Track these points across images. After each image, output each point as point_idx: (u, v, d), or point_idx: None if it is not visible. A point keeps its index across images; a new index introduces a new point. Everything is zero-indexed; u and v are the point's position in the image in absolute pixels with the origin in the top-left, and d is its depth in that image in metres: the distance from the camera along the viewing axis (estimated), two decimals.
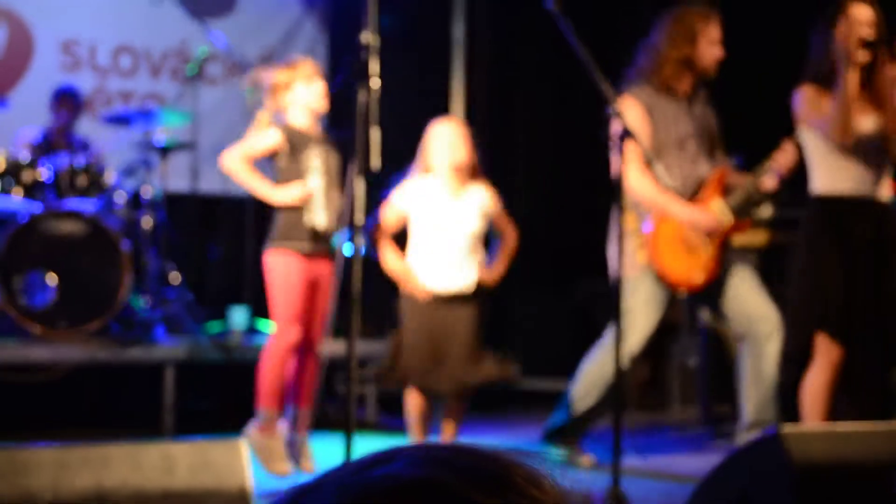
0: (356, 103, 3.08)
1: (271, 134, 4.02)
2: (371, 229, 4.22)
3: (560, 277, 7.24)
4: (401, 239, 4.35)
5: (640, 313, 4.45)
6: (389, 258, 4.25)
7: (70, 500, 2.11)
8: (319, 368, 4.15)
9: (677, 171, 4.41)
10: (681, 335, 6.39)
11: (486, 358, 4.25)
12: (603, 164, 6.11)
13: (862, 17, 4.01)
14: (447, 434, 4.37)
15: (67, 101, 6.01)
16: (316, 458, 4.20)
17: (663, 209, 4.37)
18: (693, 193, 4.45)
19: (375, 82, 3.09)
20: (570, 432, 4.59)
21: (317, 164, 4.04)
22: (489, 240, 4.47)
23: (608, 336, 4.51)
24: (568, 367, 5.34)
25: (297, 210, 4.02)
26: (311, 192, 4.00)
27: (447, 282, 4.21)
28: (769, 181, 4.36)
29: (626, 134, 3.42)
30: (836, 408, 4.13)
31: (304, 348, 4.06)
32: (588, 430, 4.62)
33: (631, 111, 4.29)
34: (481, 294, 4.30)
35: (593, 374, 4.52)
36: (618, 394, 3.63)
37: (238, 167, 4.03)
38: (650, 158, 3.71)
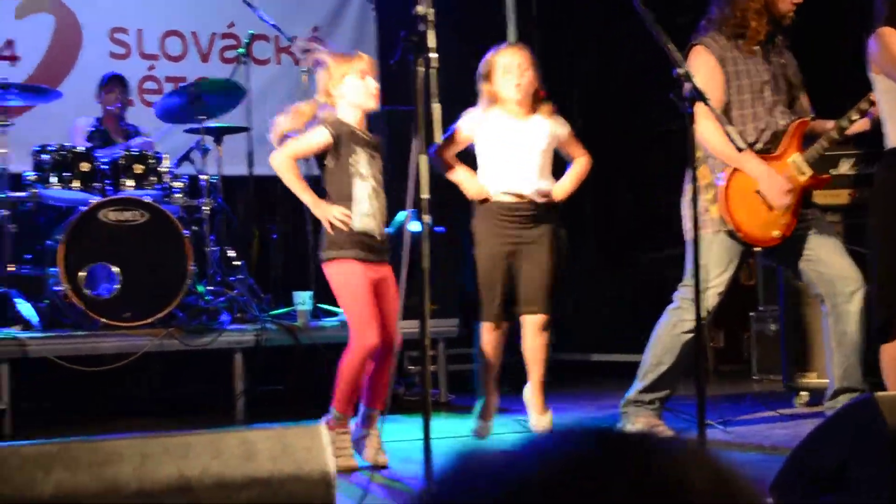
0: (414, 79, 2.97)
1: (321, 133, 3.92)
2: (437, 148, 4.16)
3: (630, 247, 7.14)
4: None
5: (711, 271, 4.30)
6: (454, 170, 4.25)
7: (153, 489, 2.07)
8: (394, 367, 4.09)
9: (752, 123, 4.27)
10: (759, 301, 6.26)
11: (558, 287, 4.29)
12: (666, 131, 6.00)
13: None
14: (535, 382, 4.33)
15: (115, 87, 5.98)
16: (386, 445, 4.13)
17: (737, 163, 4.21)
18: (770, 146, 4.29)
19: (434, 56, 2.99)
20: (648, 402, 4.48)
21: (363, 169, 3.95)
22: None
23: (679, 298, 4.42)
24: (635, 340, 5.26)
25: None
26: (347, 217, 3.91)
27: (516, 187, 4.20)
28: (858, 127, 4.20)
29: (697, 95, 3.29)
30: None
31: (384, 351, 3.98)
32: (667, 398, 4.51)
33: (702, 62, 4.19)
34: (555, 217, 4.29)
35: (666, 338, 4.41)
36: (699, 358, 3.52)
37: (285, 167, 3.96)
38: (722, 119, 3.57)
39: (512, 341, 4.41)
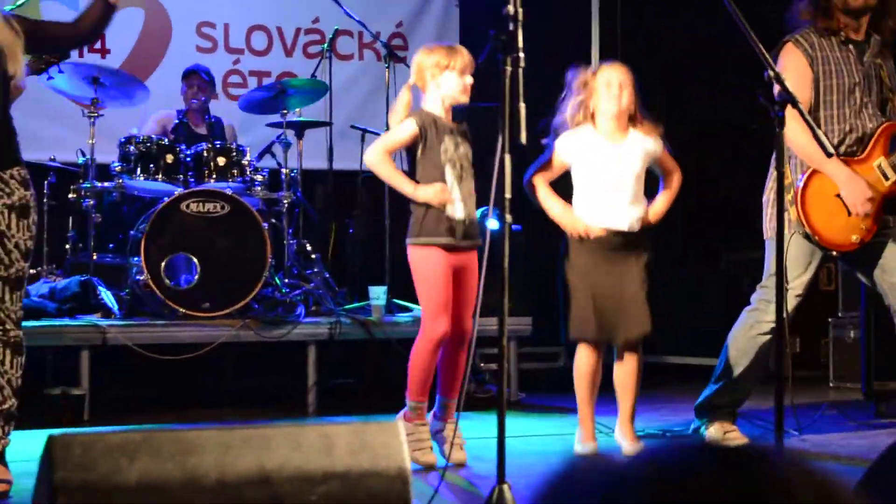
0: (503, 78, 2.98)
1: (408, 125, 3.96)
2: (529, 177, 4.15)
3: (708, 249, 7.07)
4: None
5: (787, 273, 4.19)
6: (550, 202, 4.18)
7: (234, 480, 2.11)
8: (468, 357, 4.08)
9: (839, 125, 4.21)
10: (839, 307, 6.16)
11: (649, 307, 4.16)
12: (753, 129, 5.88)
13: None
14: (627, 408, 4.22)
15: (198, 80, 6.07)
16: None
17: (819, 166, 4.15)
18: (855, 148, 4.23)
19: (522, 55, 2.99)
20: (723, 406, 4.43)
21: (451, 155, 3.98)
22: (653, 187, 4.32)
23: (756, 300, 4.37)
24: (714, 342, 5.20)
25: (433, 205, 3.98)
26: (448, 189, 3.95)
27: (612, 222, 4.13)
28: None
29: (788, 97, 3.25)
30: None
31: (455, 340, 3.99)
32: (741, 403, 4.46)
33: (792, 60, 4.15)
34: (647, 239, 4.21)
35: (741, 340, 4.36)
36: (780, 363, 3.47)
37: (380, 162, 3.98)
38: (810, 122, 3.51)
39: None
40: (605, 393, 4.33)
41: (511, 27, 2.98)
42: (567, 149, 4.16)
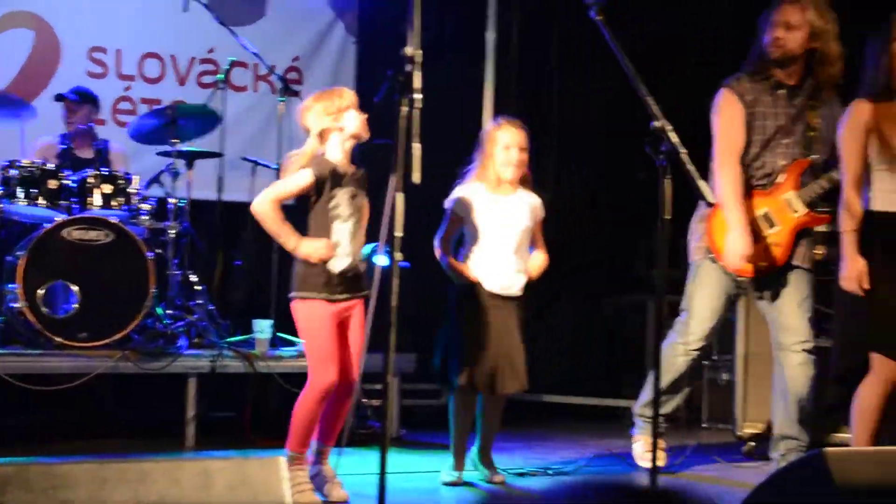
0: (398, 118, 3.02)
1: (303, 175, 3.93)
2: (441, 246, 4.38)
3: (590, 293, 7.20)
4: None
5: (697, 299, 4.58)
6: (451, 262, 4.38)
7: None
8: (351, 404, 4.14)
9: (756, 161, 4.53)
10: (713, 350, 6.33)
11: (524, 363, 4.40)
12: (636, 182, 6.01)
13: None
14: (486, 440, 4.51)
15: (68, 103, 5.96)
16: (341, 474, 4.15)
17: (722, 206, 4.48)
18: (766, 183, 4.54)
19: (418, 97, 3.04)
20: (649, 419, 4.64)
21: (342, 210, 3.97)
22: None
23: (676, 321, 4.72)
24: (594, 382, 5.33)
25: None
26: (335, 245, 3.95)
27: (503, 281, 4.35)
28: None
29: (673, 149, 3.36)
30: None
31: (342, 390, 3.99)
32: (667, 417, 4.80)
33: (725, 103, 4.51)
34: (525, 293, 4.42)
35: (664, 358, 4.65)
36: (656, 401, 3.60)
37: (268, 212, 3.94)
38: (694, 172, 3.63)
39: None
40: None
41: (408, 68, 3.03)
42: (459, 205, 4.37)
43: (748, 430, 5.37)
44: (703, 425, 6.29)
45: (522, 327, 4.40)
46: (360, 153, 4.13)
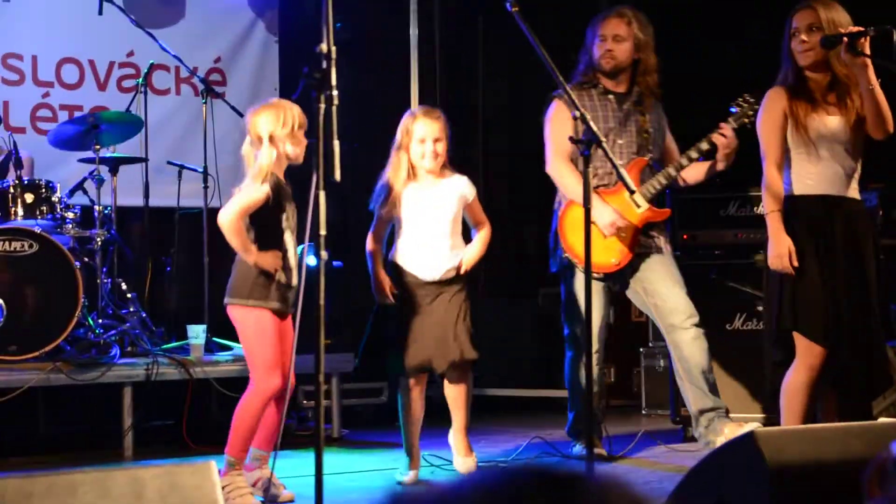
0: (316, 115, 3.00)
1: (263, 188, 3.95)
2: (370, 244, 4.39)
3: (521, 285, 7.23)
4: None
5: (578, 307, 4.77)
6: (376, 272, 4.39)
7: None
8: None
9: (594, 162, 4.53)
10: (649, 337, 6.40)
11: (469, 332, 4.37)
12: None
13: (801, 25, 4.06)
14: (459, 426, 4.46)
15: None
16: (281, 476, 4.13)
17: (573, 197, 4.68)
18: (608, 182, 4.79)
19: (335, 93, 3.02)
20: (582, 427, 4.72)
21: (292, 220, 4.06)
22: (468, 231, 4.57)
23: (567, 338, 4.87)
24: (530, 374, 5.37)
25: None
26: (279, 264, 4.01)
27: (435, 270, 4.35)
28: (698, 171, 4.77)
29: (593, 138, 3.41)
30: (825, 407, 4.14)
31: (280, 398, 4.03)
32: (595, 424, 4.76)
33: (556, 112, 4.81)
34: (464, 276, 4.43)
35: (571, 371, 4.88)
36: (588, 388, 3.66)
37: (234, 230, 3.94)
38: (612, 160, 3.71)
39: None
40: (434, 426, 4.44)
41: (324, 65, 3.01)
42: (382, 201, 4.36)
43: (685, 414, 5.42)
44: (643, 412, 6.36)
45: (468, 308, 4.39)
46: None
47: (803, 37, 4.06)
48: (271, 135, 3.95)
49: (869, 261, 4.09)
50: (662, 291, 4.78)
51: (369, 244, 4.41)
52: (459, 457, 4.46)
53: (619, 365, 6.96)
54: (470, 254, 4.43)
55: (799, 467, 2.68)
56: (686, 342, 4.73)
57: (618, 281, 4.86)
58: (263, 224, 4.01)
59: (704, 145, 4.70)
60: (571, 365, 4.86)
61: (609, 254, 4.74)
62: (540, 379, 6.62)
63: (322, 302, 3.00)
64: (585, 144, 3.51)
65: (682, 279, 4.84)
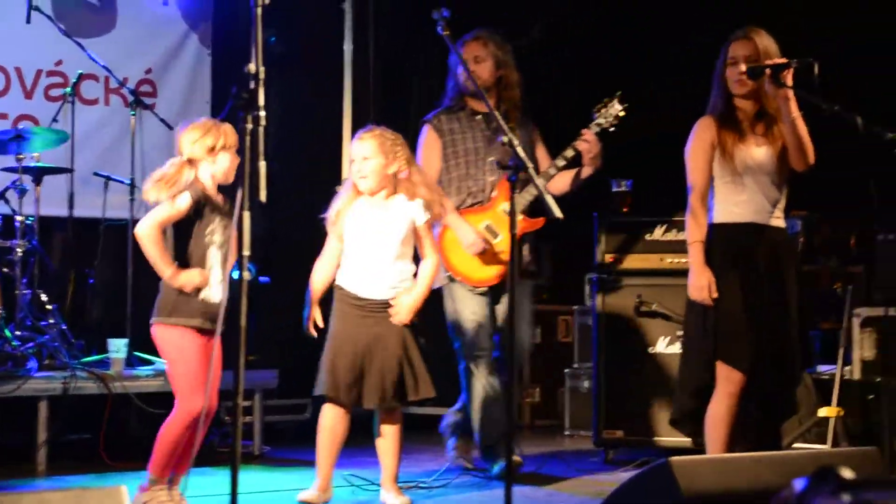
0: (242, 136, 2.99)
1: (184, 199, 3.94)
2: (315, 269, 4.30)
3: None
4: None
5: (463, 321, 4.96)
6: (311, 300, 4.27)
7: None
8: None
9: (464, 182, 5.02)
10: (574, 358, 6.44)
11: (414, 375, 4.23)
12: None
13: (739, 55, 4.12)
14: (390, 468, 4.32)
15: None
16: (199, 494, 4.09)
17: (445, 223, 4.92)
18: (481, 199, 5.01)
19: (262, 114, 3.02)
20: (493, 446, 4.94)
21: (216, 237, 4.02)
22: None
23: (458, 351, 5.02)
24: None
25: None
26: (208, 275, 3.98)
27: (376, 292, 4.24)
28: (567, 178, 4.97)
29: (520, 163, 3.43)
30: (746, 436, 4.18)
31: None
32: (498, 440, 4.86)
33: (423, 138, 5.08)
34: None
35: (465, 378, 5.05)
36: (509, 407, 3.68)
37: (152, 238, 3.93)
38: (539, 186, 3.73)
39: None
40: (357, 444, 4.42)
41: (252, 85, 3.00)
42: (331, 218, 4.28)
43: (607, 437, 5.47)
44: (566, 433, 6.39)
45: (408, 337, 4.23)
46: None
47: (742, 67, 4.11)
48: (191, 155, 4.00)
49: (791, 289, 4.16)
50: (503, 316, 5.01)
51: (314, 271, 4.30)
52: (391, 495, 4.29)
53: (544, 385, 7.01)
54: (405, 303, 4.23)
55: (712, 495, 2.72)
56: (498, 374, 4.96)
57: (494, 294, 5.02)
58: (186, 238, 3.99)
59: (569, 153, 4.87)
60: (465, 374, 5.00)
61: (490, 269, 4.94)
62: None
63: (244, 322, 2.98)
64: (513, 170, 3.53)
65: (530, 306, 5.15)
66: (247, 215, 2.98)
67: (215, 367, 3.94)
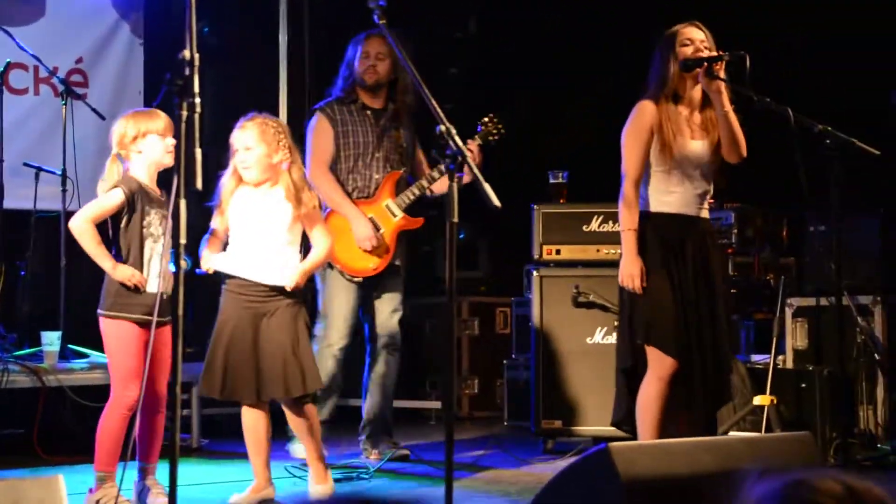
0: (178, 123, 2.95)
1: (115, 194, 3.98)
2: (199, 251, 4.17)
3: None
4: None
5: (332, 306, 5.12)
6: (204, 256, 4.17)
7: None
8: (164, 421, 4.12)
9: (353, 175, 5.16)
10: (513, 349, 6.47)
11: (301, 367, 4.10)
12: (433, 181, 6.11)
13: (694, 37, 4.14)
14: (310, 454, 4.24)
15: None
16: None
17: (336, 207, 5.09)
18: (367, 193, 5.17)
19: (198, 100, 2.98)
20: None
21: (154, 229, 4.02)
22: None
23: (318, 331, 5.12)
24: (400, 385, 5.39)
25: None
26: (143, 281, 3.99)
27: (260, 276, 4.11)
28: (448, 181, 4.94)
29: (459, 153, 3.42)
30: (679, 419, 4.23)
31: (152, 406, 4.02)
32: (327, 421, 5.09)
33: (314, 125, 5.18)
34: (300, 293, 4.18)
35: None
36: (449, 401, 3.65)
37: (85, 232, 3.97)
38: (477, 175, 3.73)
39: None
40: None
41: (187, 72, 2.96)
42: (218, 203, 4.16)
43: (546, 427, 5.51)
44: (505, 423, 6.42)
45: (298, 327, 4.11)
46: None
47: (706, 44, 4.14)
48: (120, 144, 4.01)
49: (719, 278, 4.23)
50: (384, 309, 5.22)
51: (200, 250, 4.16)
52: (313, 483, 4.24)
53: (482, 376, 7.03)
54: (296, 269, 4.13)
55: (651, 480, 2.75)
56: (390, 363, 5.22)
57: (369, 284, 5.18)
58: (122, 231, 4.00)
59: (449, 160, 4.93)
60: (317, 356, 4.76)
61: (368, 260, 5.10)
62: (407, 390, 6.62)
63: (181, 311, 2.95)
64: (451, 158, 3.52)
65: (401, 296, 5.26)
66: (183, 203, 2.96)
67: (166, 359, 3.97)
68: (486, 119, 5.13)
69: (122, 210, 3.97)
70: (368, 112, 5.21)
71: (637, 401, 4.16)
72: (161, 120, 4.01)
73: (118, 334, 3.99)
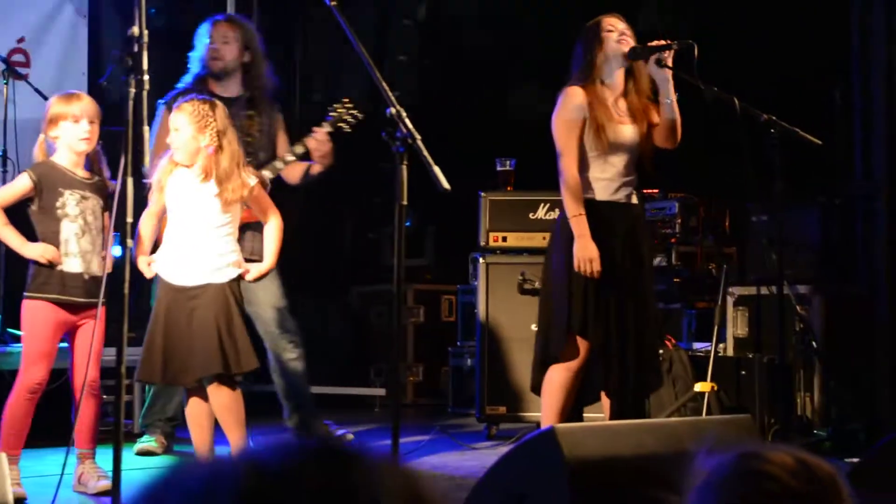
0: (126, 100, 2.92)
1: (22, 179, 4.04)
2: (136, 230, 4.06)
3: (334, 282, 7.22)
4: None
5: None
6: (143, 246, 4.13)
7: None
8: (99, 406, 4.16)
9: None
10: (458, 336, 6.48)
11: (236, 345, 4.04)
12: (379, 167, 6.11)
13: (615, 25, 4.19)
14: (233, 440, 4.14)
15: None
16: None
17: None
18: None
19: (146, 78, 2.95)
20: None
21: (69, 210, 4.02)
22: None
23: None
24: (340, 371, 5.38)
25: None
26: (56, 256, 3.99)
27: (190, 274, 4.06)
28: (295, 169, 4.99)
29: (409, 136, 3.41)
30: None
31: (80, 391, 3.96)
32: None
33: (162, 121, 4.80)
34: (231, 283, 4.12)
35: None
36: (396, 386, 3.65)
37: None
38: (426, 159, 3.73)
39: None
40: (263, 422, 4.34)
41: (136, 48, 2.93)
42: (155, 182, 4.10)
43: (490, 413, 5.53)
44: (449, 410, 6.44)
45: (230, 306, 4.05)
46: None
47: (627, 34, 4.18)
48: (44, 128, 4.05)
49: (649, 265, 4.30)
50: (267, 308, 5.00)
51: (140, 225, 4.07)
52: None
53: (427, 363, 7.05)
54: (258, 268, 4.22)
55: (596, 462, 2.78)
56: (284, 360, 5.05)
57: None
58: (35, 213, 4.04)
59: (299, 149, 4.90)
60: None
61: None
62: (352, 376, 6.63)
63: (126, 292, 2.92)
64: (401, 141, 3.51)
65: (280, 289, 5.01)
66: (130, 182, 2.93)
67: (97, 340, 3.95)
68: (338, 105, 4.95)
69: (32, 195, 4.02)
70: (220, 102, 5.01)
71: (543, 385, 4.18)
72: (77, 104, 4.02)
73: (32, 315, 4.02)
